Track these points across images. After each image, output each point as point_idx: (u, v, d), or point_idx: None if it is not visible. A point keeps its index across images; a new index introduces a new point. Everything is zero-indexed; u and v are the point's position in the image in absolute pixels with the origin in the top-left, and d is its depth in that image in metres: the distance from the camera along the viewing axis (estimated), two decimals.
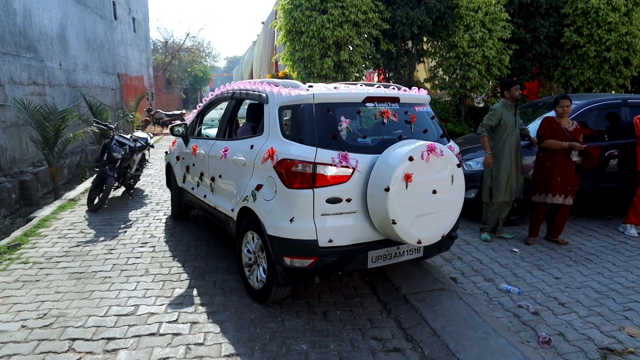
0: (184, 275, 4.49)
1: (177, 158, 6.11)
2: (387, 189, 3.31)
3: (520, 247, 5.27)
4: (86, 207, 6.95)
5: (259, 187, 3.78)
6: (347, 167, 3.43)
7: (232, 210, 4.30)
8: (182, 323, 3.58)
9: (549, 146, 5.18)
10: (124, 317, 3.66)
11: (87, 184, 8.64)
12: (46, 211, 6.76)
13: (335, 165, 3.40)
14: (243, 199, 4.01)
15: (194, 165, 5.48)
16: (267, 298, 3.83)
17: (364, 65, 9.00)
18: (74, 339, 3.33)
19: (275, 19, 10.54)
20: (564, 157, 5.15)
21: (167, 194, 7.93)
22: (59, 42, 11.72)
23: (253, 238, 3.99)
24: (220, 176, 4.70)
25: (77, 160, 11.09)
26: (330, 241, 3.45)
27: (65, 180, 10.02)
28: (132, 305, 3.85)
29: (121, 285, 4.26)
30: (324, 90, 3.75)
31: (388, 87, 4.17)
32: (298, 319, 3.66)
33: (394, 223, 3.37)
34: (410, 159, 3.38)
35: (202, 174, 5.19)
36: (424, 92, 4.23)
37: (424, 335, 3.41)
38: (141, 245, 5.36)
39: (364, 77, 9.37)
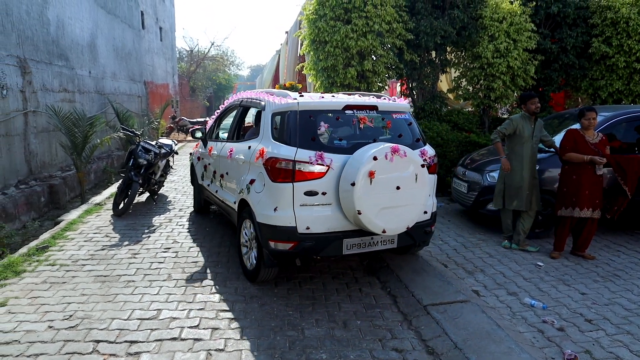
0: (206, 281, 4.54)
1: (198, 158, 6.78)
2: (353, 184, 3.81)
3: (544, 260, 5.17)
4: (111, 212, 7.09)
5: (252, 181, 4.37)
6: (323, 165, 3.95)
7: (235, 202, 4.87)
8: (203, 328, 3.61)
9: (569, 159, 5.10)
10: (147, 320, 3.71)
11: (113, 189, 8.81)
12: (73, 215, 6.92)
13: (311, 163, 3.94)
14: (240, 191, 4.63)
15: (209, 164, 6.14)
16: (257, 277, 4.41)
17: (387, 75, 8.98)
18: (98, 341, 3.40)
19: (299, 28, 10.64)
20: (591, 170, 5.05)
21: (189, 201, 8.05)
22: (89, 51, 12.07)
23: (248, 226, 4.54)
24: (227, 173, 5.32)
25: (104, 166, 11.35)
26: (308, 228, 3.96)
27: (91, 184, 10.25)
28: (154, 310, 3.90)
29: (144, 289, 4.33)
30: (307, 99, 4.31)
31: (368, 97, 4.74)
32: (318, 328, 3.66)
33: (359, 213, 3.84)
34: (375, 158, 3.85)
35: (214, 172, 5.84)
36: (403, 101, 4.74)
37: (444, 348, 3.36)
38: (164, 250, 5.44)
39: (386, 87, 9.35)
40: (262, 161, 4.16)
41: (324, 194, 3.99)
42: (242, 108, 5.60)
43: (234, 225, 5.09)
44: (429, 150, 4.57)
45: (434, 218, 4.65)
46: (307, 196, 3.97)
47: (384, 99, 4.69)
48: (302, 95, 4.44)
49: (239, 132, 5.67)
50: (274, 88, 14.39)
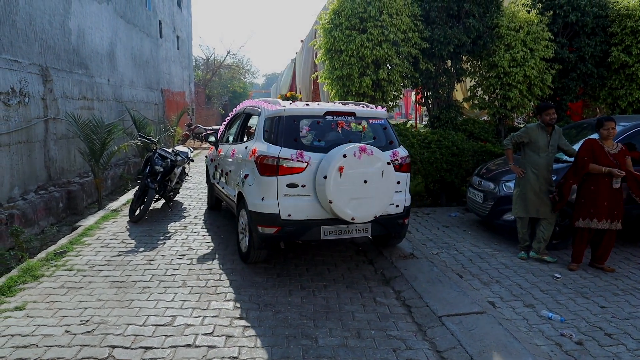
0: (220, 289, 4.56)
1: (211, 160, 7.52)
2: (325, 177, 4.45)
3: (562, 272, 5.08)
4: (128, 218, 7.17)
5: (246, 175, 5.06)
6: (302, 161, 4.61)
7: (234, 195, 5.58)
8: (218, 336, 3.62)
9: (589, 170, 5.02)
10: (162, 327, 3.74)
11: (129, 195, 8.90)
12: (90, 221, 7.02)
13: (292, 160, 4.60)
14: (237, 184, 5.41)
15: (219, 164, 6.83)
16: (248, 258, 5.13)
17: (402, 84, 8.96)
18: (113, 346, 3.43)
19: (315, 37, 10.70)
20: (610, 181, 4.96)
21: (204, 208, 8.12)
22: (108, 59, 12.29)
23: (243, 214, 5.17)
24: (230, 171, 6.03)
25: (120, 172, 11.50)
26: (289, 215, 4.62)
27: (108, 191, 10.39)
28: (169, 316, 3.93)
29: (159, 295, 4.36)
30: (293, 107, 5.08)
31: (347, 104, 5.46)
32: (332, 337, 3.64)
33: (331, 202, 4.47)
34: (344, 156, 4.48)
35: (222, 171, 6.55)
36: (381, 109, 5.38)
37: None
38: (179, 257, 5.48)
39: (401, 96, 9.31)
40: (254, 158, 4.84)
41: (303, 186, 4.64)
42: (246, 115, 6.35)
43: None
44: (401, 151, 5.18)
45: (407, 212, 5.19)
46: (289, 188, 4.63)
47: (363, 106, 5.38)
48: (292, 104, 5.26)
49: (243, 136, 6.30)
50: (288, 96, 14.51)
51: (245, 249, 5.18)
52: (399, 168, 4.99)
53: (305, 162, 4.63)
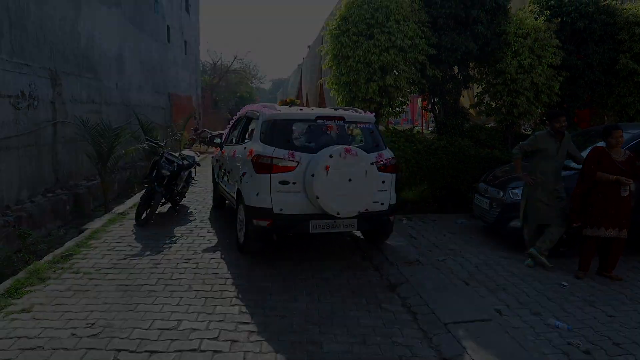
0: (226, 293, 4.56)
1: (216, 160, 7.99)
2: (313, 175, 4.88)
3: (569, 280, 5.03)
4: (134, 222, 7.19)
5: (244, 173, 5.51)
6: (293, 161, 5.06)
7: (234, 192, 6.00)
8: (223, 341, 3.62)
9: (596, 179, 4.99)
10: (167, 331, 3.74)
11: (136, 198, 8.92)
12: (97, 224, 7.05)
13: (284, 159, 5.06)
14: (236, 181, 5.88)
15: (222, 164, 7.24)
16: (244, 249, 5.59)
17: (409, 90, 8.96)
18: (119, 350, 3.43)
19: (322, 43, 10.73)
20: (618, 189, 4.93)
21: (210, 213, 8.13)
22: (117, 64, 12.39)
23: (241, 209, 5.56)
24: (231, 170, 6.41)
25: (127, 176, 11.55)
26: (281, 210, 5.06)
27: (115, 194, 10.43)
28: (175, 320, 3.93)
29: (165, 299, 4.37)
30: (287, 111, 5.67)
31: (337, 110, 5.95)
32: (337, 343, 3.63)
33: (318, 198, 4.90)
34: (331, 156, 4.91)
35: (225, 170, 6.98)
36: (369, 114, 5.85)
37: None
38: (185, 261, 5.49)
39: (408, 102, 9.30)
40: (251, 157, 5.27)
41: (294, 183, 5.05)
42: (247, 118, 6.72)
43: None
44: (386, 153, 5.59)
45: (392, 210, 5.58)
46: (281, 184, 5.04)
47: (352, 111, 5.86)
48: (288, 108, 5.77)
49: (244, 137, 6.63)
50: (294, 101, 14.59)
51: (242, 241, 5.61)
52: (384, 169, 5.39)
53: (296, 161, 5.06)
